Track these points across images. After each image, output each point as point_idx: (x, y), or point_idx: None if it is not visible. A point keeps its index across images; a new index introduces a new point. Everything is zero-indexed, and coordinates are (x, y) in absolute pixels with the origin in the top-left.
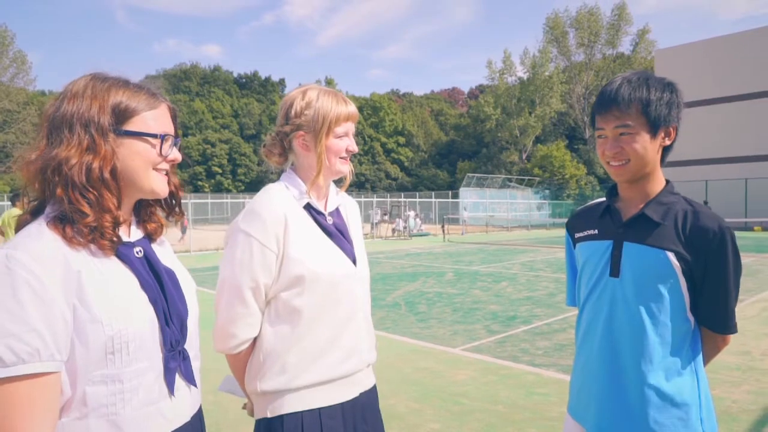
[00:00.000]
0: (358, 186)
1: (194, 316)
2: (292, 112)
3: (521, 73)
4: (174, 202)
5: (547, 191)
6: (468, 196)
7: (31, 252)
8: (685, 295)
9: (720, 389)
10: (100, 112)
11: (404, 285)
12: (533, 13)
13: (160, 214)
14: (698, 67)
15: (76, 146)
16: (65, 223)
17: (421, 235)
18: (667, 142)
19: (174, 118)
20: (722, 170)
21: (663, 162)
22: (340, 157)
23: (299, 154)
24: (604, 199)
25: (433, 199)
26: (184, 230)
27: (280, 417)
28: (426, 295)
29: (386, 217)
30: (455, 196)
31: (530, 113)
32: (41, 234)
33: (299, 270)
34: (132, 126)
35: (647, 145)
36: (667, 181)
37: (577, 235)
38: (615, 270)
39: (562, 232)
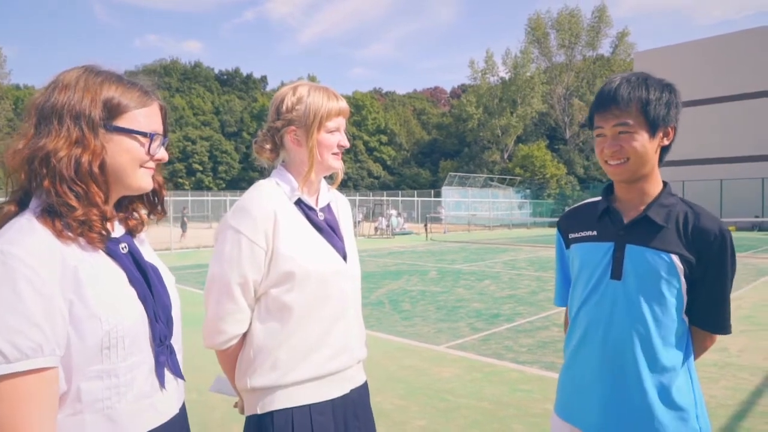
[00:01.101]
0: (341, 184)
1: (177, 311)
2: (284, 108)
3: (503, 73)
4: (156, 200)
5: (528, 191)
6: (450, 195)
7: (27, 247)
8: (684, 297)
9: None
10: (91, 106)
11: (388, 283)
12: (516, 14)
13: (142, 211)
14: (676, 70)
15: (65, 138)
16: (54, 216)
17: (403, 234)
18: (666, 142)
19: (164, 117)
20: (697, 171)
21: (661, 162)
22: (333, 153)
23: (290, 149)
24: (597, 198)
25: (416, 198)
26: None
27: (270, 413)
28: (410, 293)
29: (360, 217)
30: (437, 195)
31: (512, 113)
32: (33, 229)
33: (289, 266)
34: (122, 122)
35: (646, 144)
36: (665, 183)
37: (572, 236)
38: (617, 272)
39: (543, 231)
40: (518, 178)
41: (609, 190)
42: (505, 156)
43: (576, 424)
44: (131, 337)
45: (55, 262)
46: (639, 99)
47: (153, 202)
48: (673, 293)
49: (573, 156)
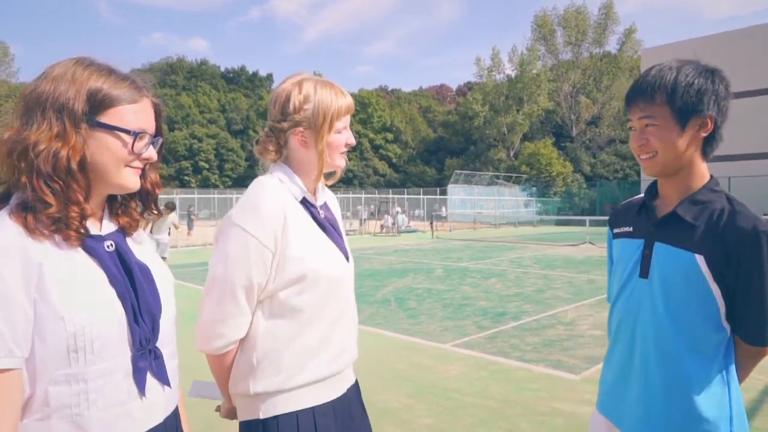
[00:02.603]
0: (346, 182)
1: (170, 314)
2: (290, 108)
3: (509, 70)
4: (149, 199)
5: (534, 188)
6: (456, 192)
7: None
8: (718, 301)
9: None
10: (75, 98)
11: (393, 281)
12: (522, 11)
13: (136, 209)
14: None
15: (46, 131)
16: (27, 212)
17: (409, 232)
18: (704, 134)
19: (158, 114)
20: (747, 166)
21: (707, 155)
22: (340, 153)
23: (295, 150)
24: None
25: (422, 196)
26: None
27: (275, 418)
28: (415, 291)
29: (366, 215)
30: (443, 192)
31: (518, 111)
32: (2, 224)
33: (301, 269)
34: (107, 118)
35: (674, 137)
36: (711, 177)
37: (615, 231)
38: (644, 271)
39: (549, 229)
40: (524, 176)
41: (654, 186)
42: (511, 154)
43: (612, 419)
44: (103, 341)
45: (16, 257)
46: (665, 88)
47: (145, 200)
48: (701, 297)
49: (579, 154)
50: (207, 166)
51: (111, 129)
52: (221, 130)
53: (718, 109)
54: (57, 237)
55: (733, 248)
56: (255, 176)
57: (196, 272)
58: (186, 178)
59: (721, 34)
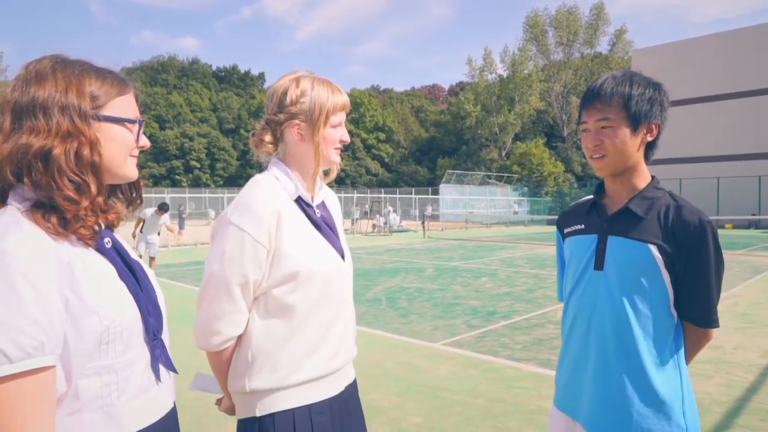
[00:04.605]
0: (338, 181)
1: (163, 304)
2: (287, 101)
3: (501, 70)
4: (134, 191)
5: (525, 188)
6: (448, 192)
7: (20, 244)
8: (668, 289)
9: (692, 382)
10: (79, 97)
11: (384, 280)
12: (514, 12)
13: (119, 203)
14: (673, 68)
15: (54, 132)
16: (46, 212)
17: (400, 231)
18: (649, 139)
19: (137, 101)
20: (695, 169)
21: (648, 159)
22: (335, 148)
23: (292, 143)
24: (593, 196)
25: (413, 196)
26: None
27: (271, 415)
28: (406, 290)
29: (358, 214)
30: (435, 192)
31: (510, 111)
32: (21, 225)
33: (294, 266)
34: (109, 111)
35: (627, 140)
36: (653, 177)
37: (566, 231)
38: (599, 263)
39: (541, 229)
40: (516, 176)
41: (600, 187)
42: (503, 154)
43: (570, 413)
44: (129, 332)
45: (49, 257)
46: (621, 94)
47: (131, 193)
48: (654, 284)
49: (570, 154)
50: (198, 166)
51: (117, 120)
52: (212, 129)
53: (662, 118)
54: (72, 236)
55: (682, 239)
56: (246, 175)
57: (187, 272)
58: (177, 177)
59: (710, 36)
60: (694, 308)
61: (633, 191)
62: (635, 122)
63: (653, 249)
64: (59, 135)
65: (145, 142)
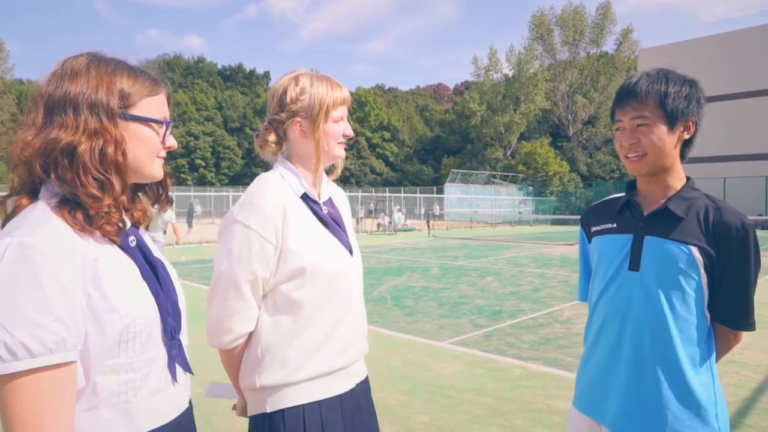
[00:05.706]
0: (343, 180)
1: (183, 305)
2: (287, 99)
3: (507, 70)
4: (161, 189)
5: (530, 188)
6: (453, 191)
7: (47, 240)
8: (705, 291)
9: None
10: (108, 95)
11: (390, 279)
12: (519, 11)
13: (146, 201)
14: (680, 68)
15: (83, 128)
16: (72, 208)
17: (405, 230)
18: (686, 136)
19: (169, 102)
20: (701, 169)
21: (684, 157)
22: (338, 143)
23: (295, 141)
24: (622, 194)
25: (418, 195)
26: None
27: (281, 411)
28: (412, 289)
29: (363, 213)
30: (440, 191)
31: (515, 110)
32: (50, 220)
33: (300, 262)
34: (137, 111)
35: (664, 138)
36: (688, 178)
37: (593, 229)
38: (635, 264)
39: (546, 228)
40: (521, 176)
41: (632, 185)
42: (508, 153)
43: (594, 416)
44: (148, 332)
45: (75, 254)
46: (657, 92)
47: (157, 191)
48: (693, 286)
49: (576, 153)
50: (204, 164)
51: (145, 120)
52: (218, 127)
53: (699, 115)
54: (97, 233)
55: (724, 241)
56: (252, 174)
57: (193, 270)
58: (182, 175)
59: (717, 36)
60: (732, 310)
61: (669, 191)
62: (672, 120)
63: (695, 251)
64: (86, 132)
65: (172, 143)
